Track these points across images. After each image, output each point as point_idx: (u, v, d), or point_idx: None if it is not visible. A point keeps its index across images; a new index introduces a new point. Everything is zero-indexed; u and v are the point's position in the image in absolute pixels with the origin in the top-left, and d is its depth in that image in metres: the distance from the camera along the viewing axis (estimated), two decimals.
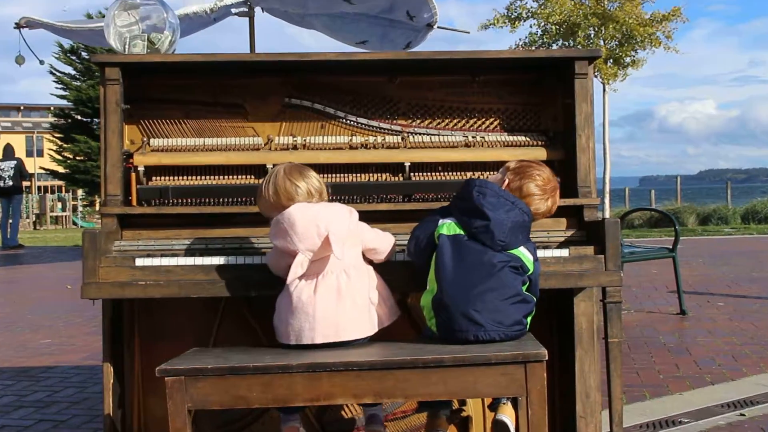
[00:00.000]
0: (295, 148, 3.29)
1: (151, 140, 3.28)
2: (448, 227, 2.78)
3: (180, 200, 3.24)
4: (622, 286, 3.00)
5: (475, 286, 2.68)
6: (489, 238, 2.72)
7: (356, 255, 2.84)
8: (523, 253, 2.76)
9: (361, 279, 2.80)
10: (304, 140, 3.30)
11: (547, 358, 2.51)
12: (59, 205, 31.46)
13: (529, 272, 2.77)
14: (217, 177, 3.29)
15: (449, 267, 2.72)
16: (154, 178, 3.27)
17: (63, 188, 34.64)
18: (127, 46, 3.49)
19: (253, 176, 3.29)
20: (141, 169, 3.22)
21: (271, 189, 2.87)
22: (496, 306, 2.67)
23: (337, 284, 2.75)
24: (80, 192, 32.98)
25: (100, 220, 3.13)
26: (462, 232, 2.76)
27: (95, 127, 29.31)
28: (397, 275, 2.93)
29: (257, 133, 3.33)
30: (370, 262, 2.90)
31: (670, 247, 6.66)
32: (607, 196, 19.29)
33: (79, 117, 31.18)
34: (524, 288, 2.76)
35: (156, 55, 3.42)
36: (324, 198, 2.91)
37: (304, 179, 2.88)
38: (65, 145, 31.45)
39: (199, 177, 3.29)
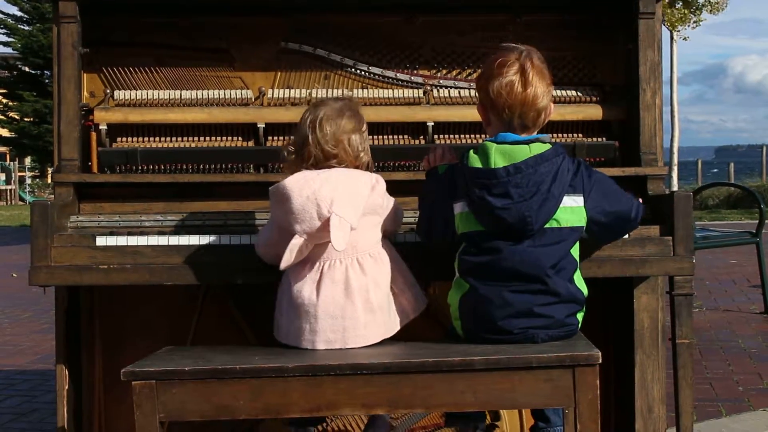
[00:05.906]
0: (292, 103, 3.29)
1: (116, 92, 3.28)
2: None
3: (151, 166, 3.24)
4: (693, 275, 2.99)
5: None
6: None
7: (373, 239, 2.79)
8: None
9: (378, 270, 2.76)
10: (304, 94, 3.29)
11: (600, 361, 2.50)
12: (2, 176, 31.62)
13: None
14: (196, 138, 3.29)
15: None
16: (119, 138, 3.28)
17: (7, 156, 34.81)
18: None
19: (240, 137, 3.29)
20: (103, 127, 3.22)
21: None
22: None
23: (345, 277, 2.71)
24: (28, 161, 33.11)
25: (52, 194, 3.13)
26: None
27: (48, 81, 29.32)
28: (409, 260, 2.88)
29: (246, 85, 3.33)
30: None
31: (753, 231, 6.64)
32: (675, 169, 19.23)
33: (27, 69, 31.20)
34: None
35: None
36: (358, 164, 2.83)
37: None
38: (11, 104, 31.51)
39: (174, 138, 3.29)
